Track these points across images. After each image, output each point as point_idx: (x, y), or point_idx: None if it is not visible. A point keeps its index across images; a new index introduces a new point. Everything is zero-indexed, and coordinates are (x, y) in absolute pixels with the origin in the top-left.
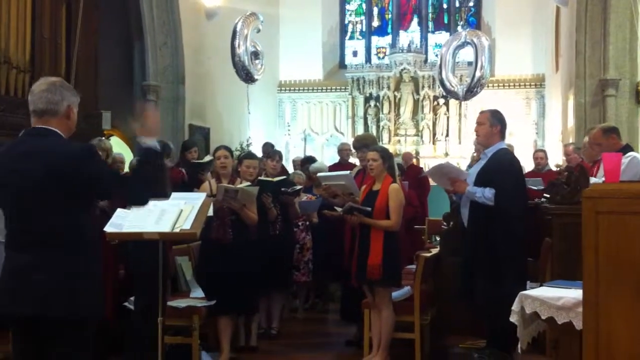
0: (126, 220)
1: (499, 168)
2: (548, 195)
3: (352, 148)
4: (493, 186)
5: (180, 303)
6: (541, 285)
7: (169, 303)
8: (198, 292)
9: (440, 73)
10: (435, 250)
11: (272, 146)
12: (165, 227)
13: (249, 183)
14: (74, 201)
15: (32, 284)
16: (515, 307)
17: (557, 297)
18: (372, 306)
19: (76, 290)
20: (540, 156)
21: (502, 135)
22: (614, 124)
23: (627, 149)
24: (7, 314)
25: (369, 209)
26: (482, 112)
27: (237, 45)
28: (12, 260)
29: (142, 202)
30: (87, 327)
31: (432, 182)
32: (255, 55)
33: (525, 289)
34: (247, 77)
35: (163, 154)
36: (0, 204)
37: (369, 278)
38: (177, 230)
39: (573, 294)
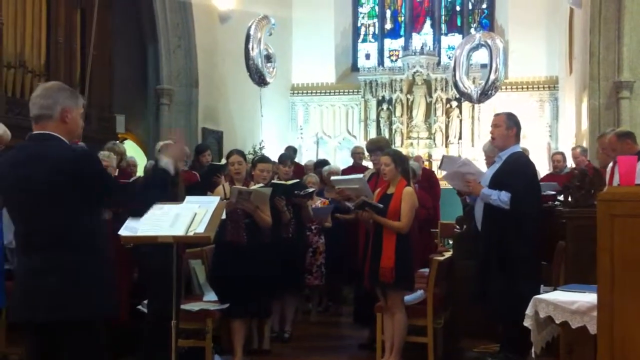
0: (140, 224)
1: (514, 171)
2: (562, 199)
3: (365, 151)
4: (508, 189)
5: (193, 306)
6: (555, 289)
7: (182, 306)
8: (211, 296)
9: (454, 75)
10: (448, 254)
11: (295, 151)
12: (179, 231)
13: (262, 186)
14: (77, 203)
15: (39, 288)
16: (529, 311)
17: (571, 301)
18: (385, 309)
19: (82, 292)
20: (558, 159)
21: (518, 138)
22: (628, 128)
23: None
24: (18, 319)
25: (381, 205)
26: (497, 115)
27: (250, 49)
28: (21, 265)
29: (140, 213)
30: (95, 328)
31: (442, 185)
32: (268, 58)
33: (539, 292)
34: (260, 80)
35: (175, 177)
36: (6, 209)
37: (381, 281)
38: (191, 233)
39: (587, 298)
